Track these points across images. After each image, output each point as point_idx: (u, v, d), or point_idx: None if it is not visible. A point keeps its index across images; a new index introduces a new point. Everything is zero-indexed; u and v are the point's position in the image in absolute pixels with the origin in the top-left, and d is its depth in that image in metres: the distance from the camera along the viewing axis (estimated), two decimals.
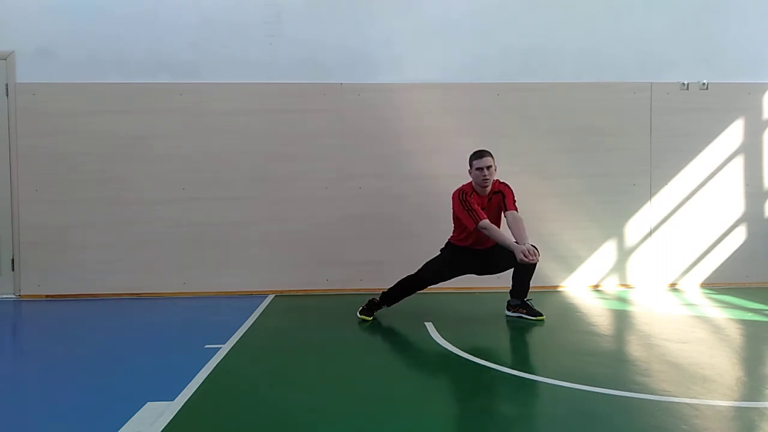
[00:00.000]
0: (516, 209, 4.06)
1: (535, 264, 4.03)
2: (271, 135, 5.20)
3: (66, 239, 5.09)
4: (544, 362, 3.21)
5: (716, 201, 5.40)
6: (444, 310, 4.53)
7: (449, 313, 4.41)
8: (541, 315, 4.12)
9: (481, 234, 4.01)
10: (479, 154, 4.06)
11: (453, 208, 4.16)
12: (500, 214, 4.13)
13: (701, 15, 5.42)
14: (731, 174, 5.41)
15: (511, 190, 4.15)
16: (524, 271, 4.10)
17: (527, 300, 4.22)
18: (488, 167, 4.01)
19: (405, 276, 4.22)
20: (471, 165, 4.09)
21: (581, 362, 3.15)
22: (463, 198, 4.05)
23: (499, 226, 4.10)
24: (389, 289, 4.26)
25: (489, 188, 4.09)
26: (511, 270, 4.16)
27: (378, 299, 4.27)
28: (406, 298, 4.26)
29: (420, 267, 4.21)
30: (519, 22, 5.33)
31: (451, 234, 4.30)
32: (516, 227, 3.93)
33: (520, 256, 3.70)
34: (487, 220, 3.94)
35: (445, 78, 5.27)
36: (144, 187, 5.14)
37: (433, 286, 5.15)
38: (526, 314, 4.15)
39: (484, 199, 4.09)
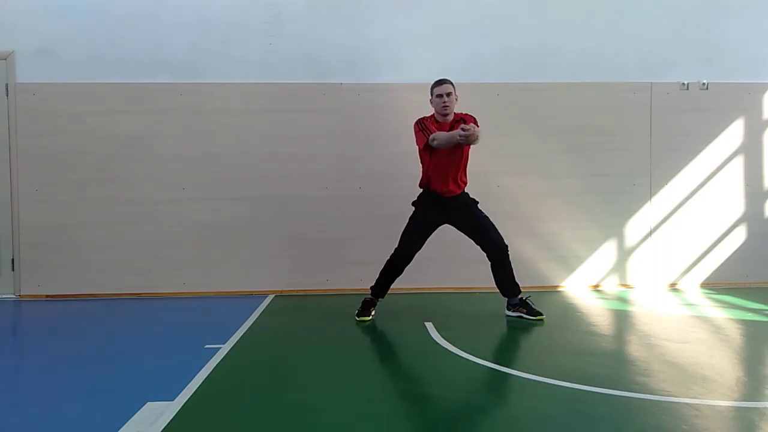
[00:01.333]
0: (476, 125, 3.99)
1: (506, 253, 4.09)
2: (271, 135, 5.20)
3: (66, 239, 5.09)
4: (544, 362, 3.21)
5: (716, 201, 5.40)
6: (444, 310, 4.54)
7: (449, 313, 4.41)
8: (541, 315, 4.12)
9: (439, 165, 4.00)
10: (439, 82, 4.08)
11: (416, 140, 4.12)
12: (462, 146, 4.00)
13: (701, 15, 5.42)
14: (731, 174, 5.41)
15: (474, 118, 4.09)
16: (500, 267, 4.13)
17: (527, 298, 4.22)
18: (448, 94, 4.02)
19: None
20: (432, 93, 4.10)
21: (581, 362, 3.15)
22: (420, 122, 4.07)
23: (460, 162, 4.05)
24: (376, 280, 4.27)
25: (450, 116, 4.08)
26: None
27: (370, 296, 4.29)
28: (397, 279, 4.25)
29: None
30: (519, 22, 5.33)
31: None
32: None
33: (458, 134, 3.68)
34: (437, 132, 3.92)
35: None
36: (144, 187, 5.14)
37: (432, 286, 5.18)
38: (526, 314, 4.15)
39: (445, 126, 4.05)
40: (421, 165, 4.21)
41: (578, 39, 5.36)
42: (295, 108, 5.21)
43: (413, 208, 4.25)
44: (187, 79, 5.18)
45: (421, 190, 4.25)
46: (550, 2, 5.35)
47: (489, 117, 5.24)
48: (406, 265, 4.20)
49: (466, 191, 4.21)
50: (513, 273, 4.20)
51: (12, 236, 5.10)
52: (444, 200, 4.12)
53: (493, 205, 5.14)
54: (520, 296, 4.24)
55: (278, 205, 5.20)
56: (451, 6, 5.30)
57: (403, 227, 4.22)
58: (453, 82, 4.09)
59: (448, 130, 3.99)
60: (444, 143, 3.88)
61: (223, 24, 5.20)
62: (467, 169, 4.18)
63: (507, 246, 4.14)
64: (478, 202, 4.20)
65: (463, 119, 4.06)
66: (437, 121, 4.08)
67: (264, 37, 5.22)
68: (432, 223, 4.18)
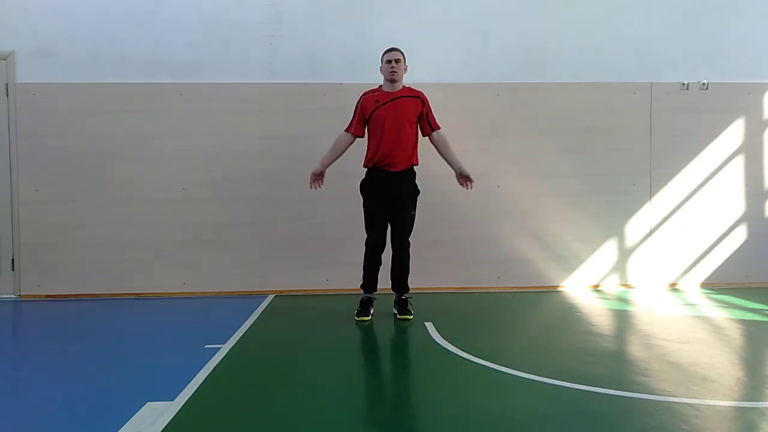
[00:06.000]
0: (438, 127, 4.08)
1: (402, 252, 4.15)
2: (271, 135, 5.20)
3: (66, 239, 5.09)
4: (544, 362, 3.21)
5: (716, 201, 5.40)
6: (444, 310, 4.53)
7: (449, 313, 4.41)
8: (409, 316, 4.13)
9: (384, 144, 4.06)
10: (390, 49, 4.17)
11: None
12: (409, 119, 4.07)
13: (701, 15, 5.41)
14: (731, 174, 5.41)
15: (422, 94, 4.14)
16: (395, 261, 4.19)
17: (406, 298, 4.25)
18: (396, 60, 4.10)
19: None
20: (381, 60, 4.18)
21: (581, 362, 3.15)
22: (358, 102, 4.19)
23: (408, 132, 4.08)
24: (362, 277, 4.28)
25: (398, 84, 4.13)
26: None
27: (364, 294, 4.31)
28: (379, 271, 4.27)
29: None
30: (519, 22, 5.33)
31: None
32: (445, 150, 4.02)
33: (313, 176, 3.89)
34: (342, 133, 4.13)
35: (445, 78, 5.27)
36: (144, 187, 5.14)
37: (432, 286, 5.17)
38: (397, 312, 4.20)
39: (389, 95, 4.10)
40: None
41: (578, 39, 5.35)
42: (295, 108, 5.21)
43: (362, 196, 4.28)
44: (187, 79, 5.18)
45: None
46: (550, 2, 5.35)
47: (489, 117, 5.27)
48: (381, 252, 4.21)
49: (414, 170, 4.21)
50: (407, 274, 4.23)
51: (12, 236, 5.10)
52: (387, 175, 4.13)
53: (493, 205, 5.18)
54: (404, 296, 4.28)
55: (278, 205, 5.20)
56: (451, 6, 5.30)
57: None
58: (404, 53, 4.16)
59: (394, 99, 4.08)
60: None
61: (223, 24, 5.19)
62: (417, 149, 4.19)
63: (408, 245, 4.17)
64: (419, 193, 4.22)
65: (421, 98, 4.14)
66: (385, 90, 4.13)
67: (264, 37, 5.21)
68: (381, 201, 4.18)
